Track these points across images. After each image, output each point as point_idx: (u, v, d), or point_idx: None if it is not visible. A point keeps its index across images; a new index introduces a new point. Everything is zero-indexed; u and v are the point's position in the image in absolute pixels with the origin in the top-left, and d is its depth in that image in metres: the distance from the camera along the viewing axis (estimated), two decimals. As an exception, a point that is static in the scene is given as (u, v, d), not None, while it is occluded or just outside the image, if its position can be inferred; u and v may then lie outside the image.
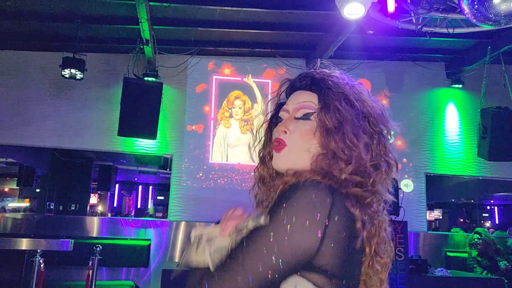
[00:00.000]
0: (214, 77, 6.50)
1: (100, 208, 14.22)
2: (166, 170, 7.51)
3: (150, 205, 15.07)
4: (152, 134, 5.45)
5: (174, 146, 6.25)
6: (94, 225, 6.12)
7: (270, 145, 1.04)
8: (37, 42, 5.92)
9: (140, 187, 15.48)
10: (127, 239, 5.86)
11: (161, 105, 5.48)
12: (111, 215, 12.55)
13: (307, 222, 0.79)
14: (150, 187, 15.55)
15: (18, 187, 12.37)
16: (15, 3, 4.94)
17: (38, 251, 3.63)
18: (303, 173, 0.89)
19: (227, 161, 6.32)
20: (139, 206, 15.00)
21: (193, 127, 6.33)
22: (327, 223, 0.80)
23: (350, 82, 1.03)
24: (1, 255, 4.54)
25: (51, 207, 8.91)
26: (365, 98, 1.00)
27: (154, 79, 5.82)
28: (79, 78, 5.47)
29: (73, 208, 9.06)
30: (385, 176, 0.96)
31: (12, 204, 13.86)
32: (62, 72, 5.38)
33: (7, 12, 5.15)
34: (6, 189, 14.74)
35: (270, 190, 1.03)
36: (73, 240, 3.86)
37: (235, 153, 6.37)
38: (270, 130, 1.07)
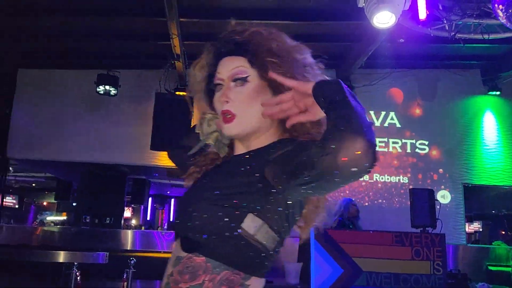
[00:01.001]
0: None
1: (134, 221, 14.46)
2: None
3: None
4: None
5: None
6: (128, 238, 6.23)
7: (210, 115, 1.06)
8: (73, 60, 6.15)
9: (172, 200, 15.66)
10: (160, 252, 5.91)
11: (191, 119, 5.54)
12: (145, 228, 12.73)
13: None
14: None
15: (56, 201, 12.75)
16: (52, 23, 5.14)
17: (75, 263, 3.72)
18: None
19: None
20: (171, 219, 15.16)
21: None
22: None
23: (273, 35, 1.05)
24: (40, 267, 4.66)
25: (87, 220, 9.13)
26: (289, 46, 1.03)
27: (185, 93, 5.92)
28: (113, 94, 5.63)
29: (108, 222, 9.24)
30: None
31: (50, 218, 14.28)
32: (97, 89, 5.56)
33: (44, 32, 5.37)
34: (44, 203, 15.23)
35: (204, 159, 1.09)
36: (108, 253, 3.93)
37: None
38: (208, 99, 1.07)
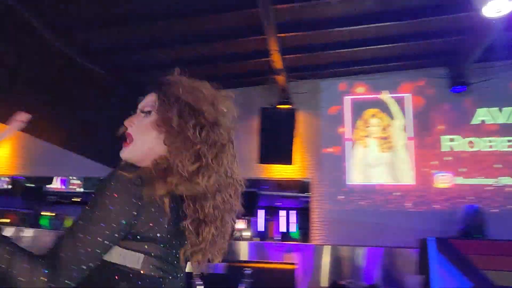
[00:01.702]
0: (347, 97, 6.43)
1: (246, 233, 14.93)
2: (306, 194, 7.57)
3: (293, 229, 15.27)
4: (288, 160, 5.59)
5: (311, 170, 6.29)
6: (242, 249, 6.45)
7: None
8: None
9: (282, 211, 15.84)
10: (273, 263, 6.01)
11: (296, 131, 5.60)
12: (258, 240, 13.05)
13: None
14: (292, 211, 15.79)
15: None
16: (165, 54, 5.64)
17: (196, 273, 3.97)
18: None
19: (367, 182, 6.11)
20: (283, 230, 15.32)
21: (330, 150, 6.30)
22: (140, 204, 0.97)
23: (186, 82, 1.21)
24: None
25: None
26: (197, 94, 1.17)
27: (288, 106, 6.01)
28: (221, 113, 5.94)
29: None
30: (207, 162, 1.08)
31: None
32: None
33: (157, 64, 5.89)
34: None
35: None
36: (226, 264, 4.12)
37: (376, 173, 6.12)
38: None
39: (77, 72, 5.30)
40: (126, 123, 1.18)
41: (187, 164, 1.06)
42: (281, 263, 5.99)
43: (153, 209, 1.01)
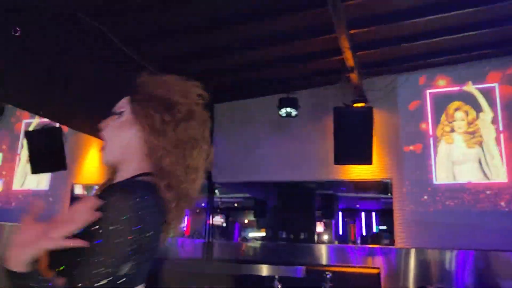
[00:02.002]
0: (428, 91, 6.06)
1: (326, 236, 14.70)
2: (387, 195, 7.27)
3: (374, 231, 14.75)
4: (367, 160, 5.40)
5: (392, 170, 6.02)
6: (322, 252, 6.34)
7: None
8: (257, 89, 6.72)
9: (362, 213, 15.38)
10: (355, 266, 5.84)
11: (373, 129, 5.40)
12: (338, 243, 12.78)
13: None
14: (373, 213, 15.27)
15: (255, 219, 13.96)
16: (235, 60, 5.75)
17: (276, 276, 3.97)
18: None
19: (454, 180, 5.70)
20: (363, 233, 14.86)
21: (411, 148, 5.98)
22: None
23: (155, 78, 1.21)
24: (243, 279, 5.12)
25: (283, 236, 9.70)
26: (168, 87, 1.18)
27: (363, 104, 5.81)
28: (294, 115, 5.92)
29: (302, 237, 9.63)
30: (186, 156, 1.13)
31: (251, 234, 15.66)
32: (279, 112, 5.93)
33: (229, 69, 6.02)
34: (246, 221, 16.82)
35: None
36: (305, 267, 4.08)
37: (463, 170, 5.69)
38: None
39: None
40: (100, 125, 1.20)
41: (170, 166, 1.11)
42: (363, 267, 5.80)
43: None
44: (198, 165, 1.20)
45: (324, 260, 6.22)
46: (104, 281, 0.94)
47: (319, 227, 13.97)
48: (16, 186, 8.08)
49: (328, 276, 4.50)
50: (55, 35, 4.06)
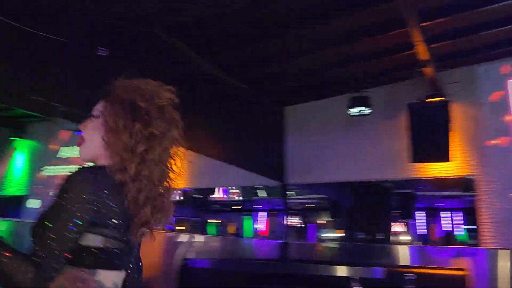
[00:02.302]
0: (511, 81, 5.64)
1: (404, 237, 14.15)
2: (470, 192, 6.85)
3: (459, 231, 13.92)
4: (444, 157, 5.16)
5: (474, 166, 5.68)
6: (402, 253, 6.15)
7: None
8: (326, 89, 6.69)
9: (444, 212, 14.57)
10: (439, 268, 5.58)
11: (451, 124, 5.14)
12: (417, 243, 12.26)
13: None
14: (457, 212, 14.40)
15: (330, 219, 13.84)
16: (303, 62, 5.79)
17: (354, 278, 3.94)
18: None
19: (548, 175, 5.24)
20: (445, 233, 14.08)
21: (495, 142, 5.60)
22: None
23: (128, 83, 1.35)
24: (320, 280, 5.13)
25: (360, 236, 9.53)
26: (137, 92, 1.31)
27: (439, 98, 5.56)
28: (365, 114, 5.82)
29: (379, 237, 9.39)
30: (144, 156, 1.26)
31: (328, 235, 15.53)
32: (350, 111, 5.86)
33: (298, 72, 6.07)
34: (321, 222, 16.71)
35: None
36: (384, 269, 4.00)
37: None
38: None
39: (225, 90, 5.82)
40: (79, 126, 1.36)
41: (128, 160, 1.24)
42: (448, 268, 5.52)
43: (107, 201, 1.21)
44: (160, 160, 1.31)
45: (404, 261, 6.02)
46: (55, 247, 1.12)
47: (397, 227, 13.49)
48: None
49: (409, 278, 4.37)
50: (135, 51, 4.40)
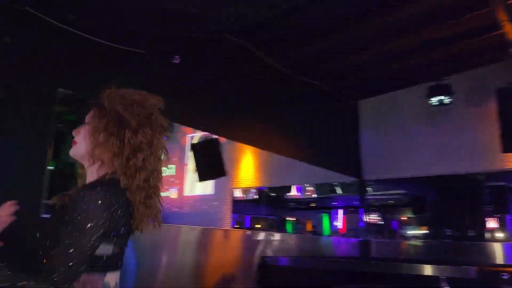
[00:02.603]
0: None
1: (500, 233, 13.05)
2: None
3: None
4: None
5: None
6: (496, 251, 5.68)
7: None
8: (402, 79, 6.37)
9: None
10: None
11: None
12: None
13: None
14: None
15: (413, 216, 13.19)
16: (374, 54, 5.55)
17: (442, 277, 3.70)
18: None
19: None
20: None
21: None
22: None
23: (117, 93, 1.43)
24: (403, 279, 4.89)
25: (448, 233, 8.96)
26: (123, 102, 1.40)
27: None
28: (447, 102, 5.45)
29: (470, 234, 8.76)
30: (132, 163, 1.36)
31: (411, 232, 14.82)
32: (430, 101, 5.52)
33: (370, 65, 5.83)
34: (403, 218, 16.00)
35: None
36: (478, 267, 3.72)
37: None
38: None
39: (297, 88, 5.78)
40: (73, 132, 1.47)
41: (122, 167, 1.35)
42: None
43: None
44: (148, 166, 1.39)
45: (500, 259, 5.56)
46: (74, 261, 1.19)
47: (491, 223, 12.47)
48: (186, 192, 9.18)
49: (505, 278, 4.02)
50: (206, 57, 4.55)
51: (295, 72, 5.62)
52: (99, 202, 1.25)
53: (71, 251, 1.20)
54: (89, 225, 1.22)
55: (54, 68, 3.24)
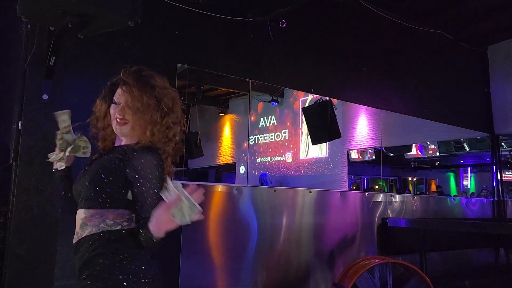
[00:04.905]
0: None
1: None
2: None
3: None
4: None
5: None
6: None
7: (107, 114, 1.77)
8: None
9: None
10: None
11: None
12: None
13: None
14: None
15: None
16: None
17: None
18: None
19: None
20: None
21: None
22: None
23: (146, 77, 1.71)
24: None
25: None
26: (156, 85, 1.70)
27: None
28: None
29: None
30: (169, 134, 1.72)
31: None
32: None
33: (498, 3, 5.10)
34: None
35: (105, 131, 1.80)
36: None
37: None
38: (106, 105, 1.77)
39: (417, 40, 5.36)
40: (118, 113, 1.68)
41: (160, 136, 1.68)
42: None
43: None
44: (175, 133, 1.72)
45: None
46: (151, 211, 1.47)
47: None
48: (302, 156, 9.30)
49: None
50: (322, 21, 4.46)
51: (414, 23, 5.22)
52: (155, 162, 1.60)
53: (150, 204, 1.54)
54: (154, 180, 1.57)
55: (175, 46, 3.48)
